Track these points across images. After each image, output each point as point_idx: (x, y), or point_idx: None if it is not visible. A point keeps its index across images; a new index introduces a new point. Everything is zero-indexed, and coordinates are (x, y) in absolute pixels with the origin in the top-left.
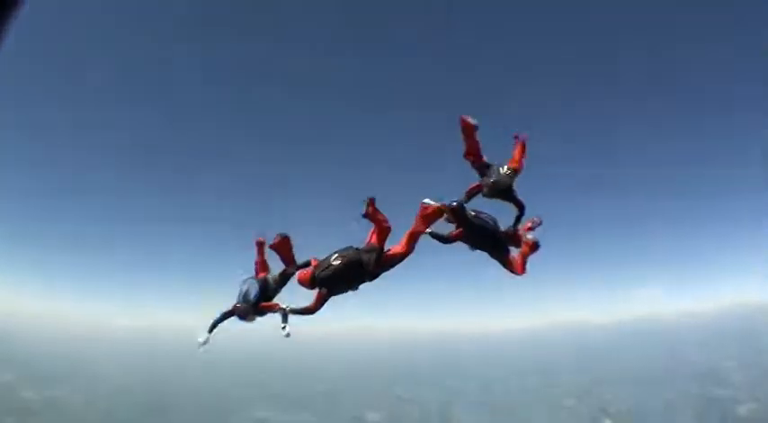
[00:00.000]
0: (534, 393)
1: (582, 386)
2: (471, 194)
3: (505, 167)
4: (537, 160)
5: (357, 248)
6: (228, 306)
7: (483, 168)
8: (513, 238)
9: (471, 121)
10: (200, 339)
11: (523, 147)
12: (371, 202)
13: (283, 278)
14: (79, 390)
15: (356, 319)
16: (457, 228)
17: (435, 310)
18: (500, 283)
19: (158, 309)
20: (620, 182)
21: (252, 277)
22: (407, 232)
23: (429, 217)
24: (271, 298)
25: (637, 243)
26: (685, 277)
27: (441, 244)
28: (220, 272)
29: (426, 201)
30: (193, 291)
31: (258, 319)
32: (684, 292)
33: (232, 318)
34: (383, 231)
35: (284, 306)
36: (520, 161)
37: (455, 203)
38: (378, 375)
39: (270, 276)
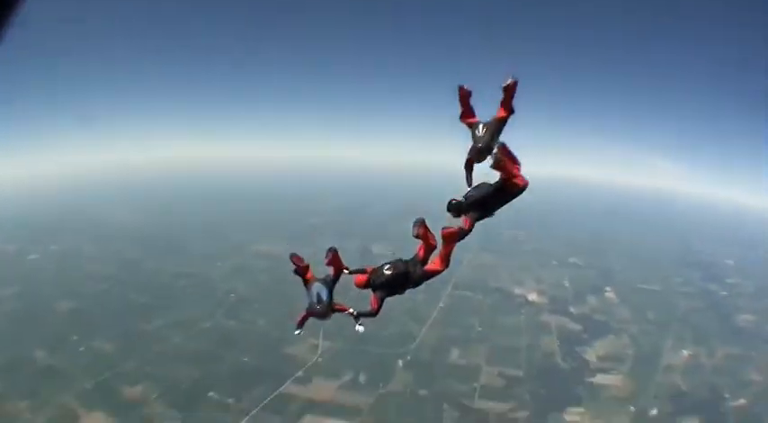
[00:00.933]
0: (536, 246)
1: (588, 246)
2: (469, 171)
3: (481, 127)
4: None
5: (405, 261)
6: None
7: (474, 127)
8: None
9: (467, 88)
10: (297, 332)
11: (511, 93)
12: (423, 223)
13: (336, 279)
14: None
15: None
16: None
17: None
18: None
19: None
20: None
21: (316, 281)
22: (441, 253)
23: (454, 236)
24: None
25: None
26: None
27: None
28: None
29: (446, 225)
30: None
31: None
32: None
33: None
34: (429, 249)
35: (352, 310)
36: (506, 109)
37: (458, 200)
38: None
39: (328, 278)
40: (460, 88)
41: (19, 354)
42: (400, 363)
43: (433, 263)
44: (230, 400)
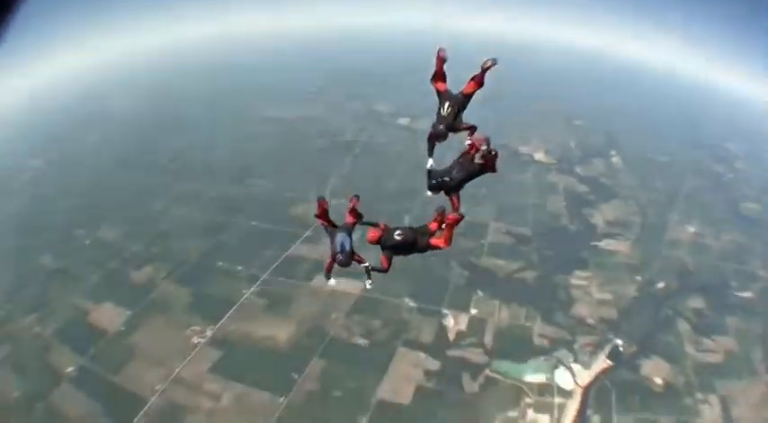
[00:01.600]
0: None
1: (592, 111)
2: (432, 145)
3: (446, 106)
4: None
5: (415, 230)
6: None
7: (441, 99)
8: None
9: (444, 54)
10: (331, 282)
11: (487, 71)
12: (442, 211)
13: (353, 227)
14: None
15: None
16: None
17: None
18: None
19: None
20: None
21: (339, 230)
22: (445, 234)
23: (457, 222)
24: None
25: None
26: None
27: None
28: None
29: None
30: None
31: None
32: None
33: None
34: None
35: (367, 264)
36: (478, 84)
37: (442, 181)
38: None
39: (349, 226)
40: (439, 51)
41: (25, 265)
42: (407, 218)
43: (438, 240)
44: (239, 268)
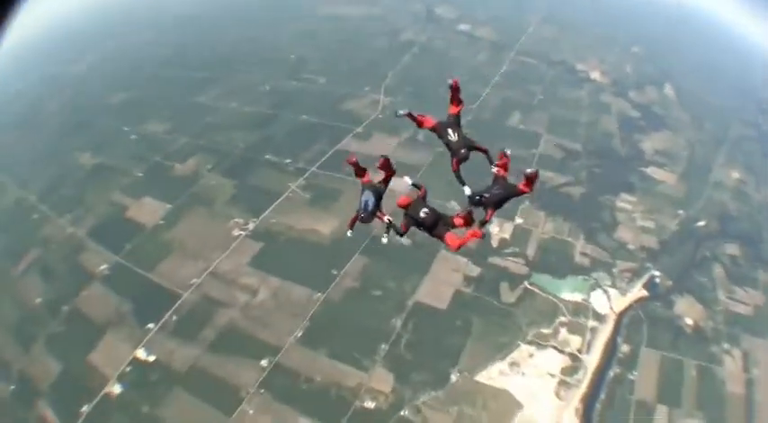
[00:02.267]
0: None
1: (649, 43)
2: (460, 176)
3: (450, 132)
4: None
5: (439, 216)
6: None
7: (440, 128)
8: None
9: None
10: (349, 234)
11: (456, 90)
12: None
13: (386, 185)
14: None
15: None
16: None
17: None
18: None
19: None
20: None
21: (365, 188)
22: (462, 239)
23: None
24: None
25: None
26: None
27: None
28: None
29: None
30: None
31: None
32: None
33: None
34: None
35: (388, 219)
36: (457, 104)
37: (481, 197)
38: None
39: (380, 185)
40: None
41: (64, 164)
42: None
43: (452, 238)
44: (287, 161)
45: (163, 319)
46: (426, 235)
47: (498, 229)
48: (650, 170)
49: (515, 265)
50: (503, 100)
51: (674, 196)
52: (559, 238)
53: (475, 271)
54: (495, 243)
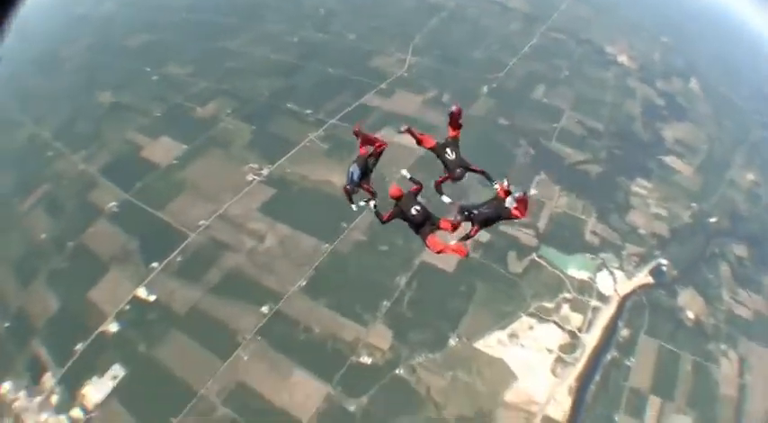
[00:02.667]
0: (628, 13)
1: (679, 34)
2: (440, 187)
3: (449, 151)
4: None
5: (429, 216)
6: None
7: (439, 148)
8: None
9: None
10: (353, 207)
11: (457, 117)
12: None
13: (377, 158)
14: None
15: None
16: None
17: None
18: None
19: None
20: None
21: (355, 160)
22: (441, 247)
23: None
24: (370, 171)
25: None
26: None
27: None
28: None
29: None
30: None
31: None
32: None
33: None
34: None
35: (373, 202)
36: (456, 129)
37: (471, 213)
38: None
39: (369, 159)
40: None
41: (82, 102)
42: (485, 88)
43: (434, 241)
44: (308, 111)
45: (167, 259)
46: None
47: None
48: (669, 159)
49: (525, 236)
50: (529, 72)
51: (690, 188)
52: (572, 214)
53: (484, 237)
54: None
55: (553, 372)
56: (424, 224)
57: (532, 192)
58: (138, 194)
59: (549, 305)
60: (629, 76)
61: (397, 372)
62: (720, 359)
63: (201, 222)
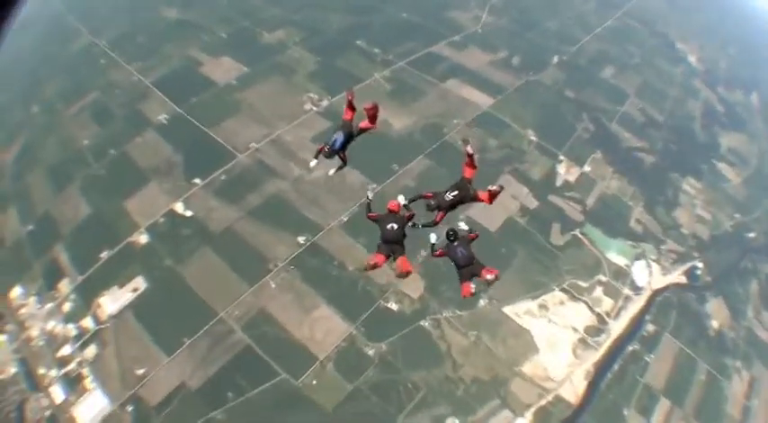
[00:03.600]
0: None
1: (744, 46)
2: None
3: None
4: None
5: (400, 243)
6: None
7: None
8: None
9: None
10: (312, 164)
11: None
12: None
13: (362, 131)
14: None
15: None
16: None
17: None
18: None
19: None
20: None
21: (341, 127)
22: (398, 263)
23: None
24: (352, 139)
25: None
26: None
27: None
28: None
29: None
30: None
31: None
32: None
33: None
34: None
35: (369, 194)
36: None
37: (436, 204)
38: None
39: (354, 126)
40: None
41: (145, 15)
42: (555, 58)
43: (402, 261)
44: (377, 50)
45: (211, 177)
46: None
47: (565, 171)
48: (721, 165)
49: (572, 210)
50: (600, 52)
51: (735, 198)
52: (620, 198)
53: (533, 204)
54: (558, 182)
55: (574, 352)
56: (400, 243)
57: (586, 168)
58: (191, 109)
59: (584, 284)
60: (696, 77)
61: (422, 323)
62: (733, 376)
63: (252, 145)
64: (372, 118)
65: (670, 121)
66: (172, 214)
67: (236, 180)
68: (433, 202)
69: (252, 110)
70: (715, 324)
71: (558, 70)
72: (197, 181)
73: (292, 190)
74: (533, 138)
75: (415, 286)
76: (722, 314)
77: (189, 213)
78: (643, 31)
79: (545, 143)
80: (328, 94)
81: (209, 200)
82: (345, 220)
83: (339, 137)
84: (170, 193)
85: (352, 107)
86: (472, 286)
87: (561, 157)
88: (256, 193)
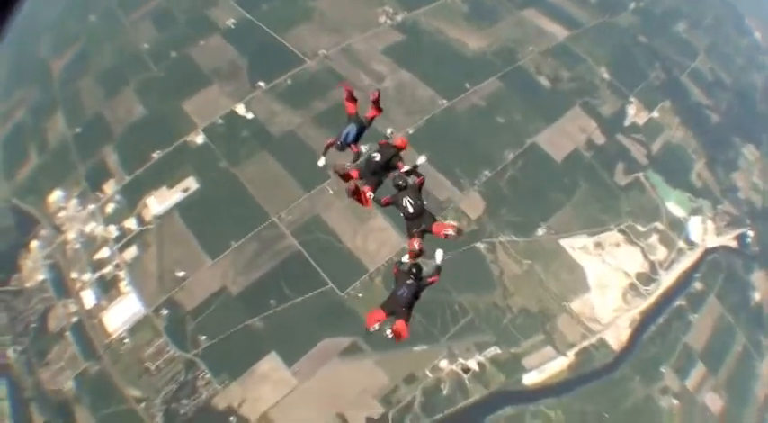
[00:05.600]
0: None
1: None
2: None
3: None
4: None
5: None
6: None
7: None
8: None
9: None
10: (320, 163)
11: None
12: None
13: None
14: None
15: None
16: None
17: None
18: None
19: None
20: None
21: (351, 120)
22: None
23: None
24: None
25: None
26: None
27: None
28: None
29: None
30: None
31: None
32: None
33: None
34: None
35: (371, 195)
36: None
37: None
38: None
39: (365, 120)
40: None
41: None
42: (632, 5)
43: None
44: None
45: (277, 81)
46: None
47: (635, 113)
48: None
49: (638, 153)
50: (675, 6)
51: None
52: (685, 150)
53: (600, 139)
54: (626, 123)
55: (624, 297)
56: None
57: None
58: (260, 15)
59: (642, 228)
60: (760, 52)
61: (477, 245)
62: (765, 355)
63: (322, 52)
64: (377, 105)
65: (736, 86)
66: (233, 116)
67: (302, 85)
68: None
69: (323, 18)
70: (757, 296)
71: (634, 15)
72: (261, 84)
73: (360, 98)
74: (606, 76)
75: (474, 207)
76: (764, 287)
77: (250, 115)
78: None
79: (617, 82)
80: (404, 9)
81: (273, 104)
82: (411, 132)
83: (351, 130)
84: (231, 96)
85: (352, 99)
86: (380, 328)
87: (632, 99)
88: (322, 100)
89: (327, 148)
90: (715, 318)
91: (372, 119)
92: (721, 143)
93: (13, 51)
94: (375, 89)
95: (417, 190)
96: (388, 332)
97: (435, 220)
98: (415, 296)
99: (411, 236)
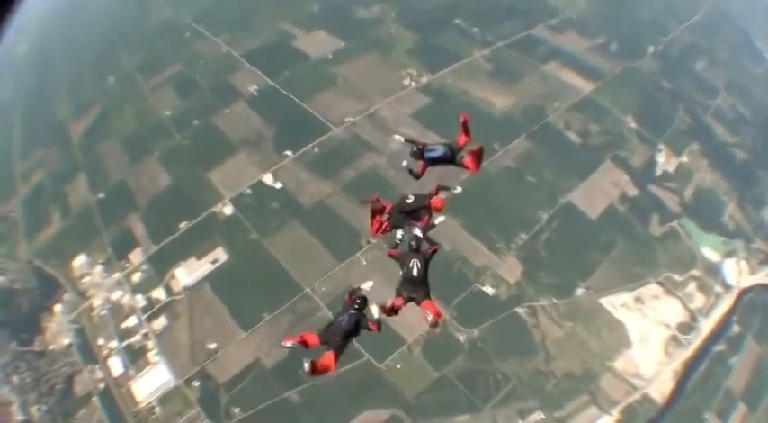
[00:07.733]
0: None
1: None
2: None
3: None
4: None
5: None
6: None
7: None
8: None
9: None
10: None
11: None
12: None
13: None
14: None
15: None
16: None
17: None
18: None
19: None
20: None
21: (447, 145)
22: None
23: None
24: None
25: None
26: None
27: None
28: None
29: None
30: None
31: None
32: None
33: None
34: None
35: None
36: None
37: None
38: None
39: (455, 146)
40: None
41: None
42: (651, 49)
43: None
44: (475, 30)
45: (304, 149)
46: None
47: (664, 160)
48: None
49: (671, 201)
50: (690, 44)
51: None
52: (715, 193)
53: (633, 192)
54: (658, 172)
55: (665, 350)
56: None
57: (683, 159)
58: (284, 82)
59: (679, 278)
60: None
61: (517, 310)
62: None
63: (348, 119)
64: (465, 128)
65: (756, 119)
66: (260, 186)
67: (330, 154)
68: (416, 149)
69: (348, 84)
70: None
71: (653, 61)
72: (288, 153)
73: (389, 165)
74: (633, 125)
75: (512, 271)
76: None
77: (278, 185)
78: (725, 26)
79: (644, 130)
80: (428, 71)
81: (301, 173)
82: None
83: (441, 149)
84: (259, 165)
85: (466, 130)
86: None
87: (660, 146)
88: (351, 168)
89: (414, 146)
90: (754, 358)
91: (463, 147)
92: (749, 180)
93: (26, 108)
94: (464, 111)
95: (427, 259)
96: (306, 365)
97: (429, 296)
98: (354, 330)
99: (399, 295)
